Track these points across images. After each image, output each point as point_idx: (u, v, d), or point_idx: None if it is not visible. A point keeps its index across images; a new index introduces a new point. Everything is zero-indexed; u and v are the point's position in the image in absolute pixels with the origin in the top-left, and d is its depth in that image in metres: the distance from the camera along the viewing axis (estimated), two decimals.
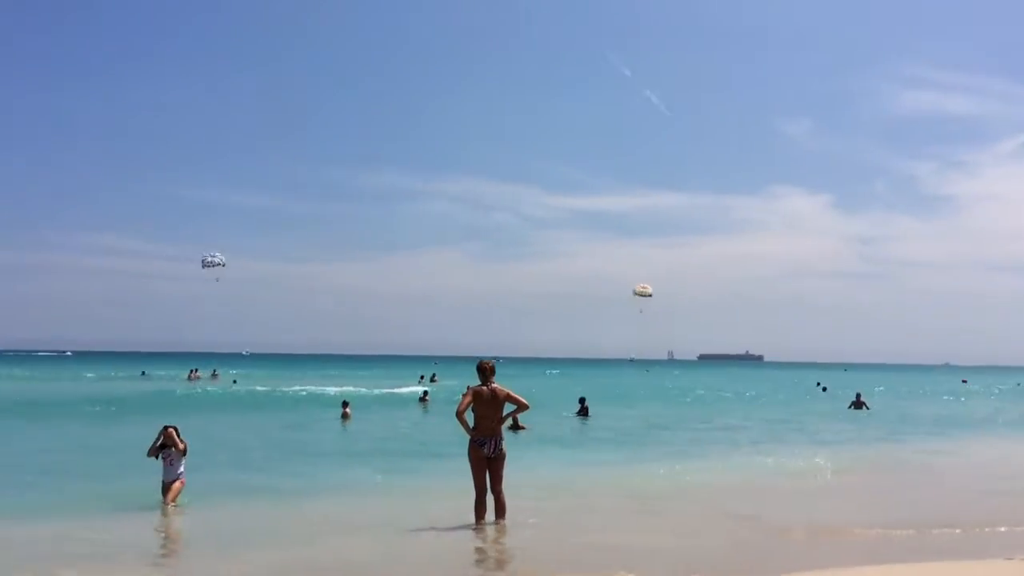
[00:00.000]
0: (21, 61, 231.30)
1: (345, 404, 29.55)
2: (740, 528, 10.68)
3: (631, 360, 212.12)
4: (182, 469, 12.82)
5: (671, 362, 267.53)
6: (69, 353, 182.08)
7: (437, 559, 9.06)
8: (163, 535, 11.01)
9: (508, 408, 10.56)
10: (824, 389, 53.27)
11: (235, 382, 57.83)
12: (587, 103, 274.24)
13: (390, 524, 10.75)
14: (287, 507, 12.26)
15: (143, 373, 73.74)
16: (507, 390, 10.53)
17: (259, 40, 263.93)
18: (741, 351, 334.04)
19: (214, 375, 68.15)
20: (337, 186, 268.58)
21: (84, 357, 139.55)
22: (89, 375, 69.26)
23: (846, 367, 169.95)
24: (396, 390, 47.90)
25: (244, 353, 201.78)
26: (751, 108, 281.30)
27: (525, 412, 11.02)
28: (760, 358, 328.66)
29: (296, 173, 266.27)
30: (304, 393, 45.61)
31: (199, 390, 48.50)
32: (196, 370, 69.44)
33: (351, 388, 47.43)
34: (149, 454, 12.93)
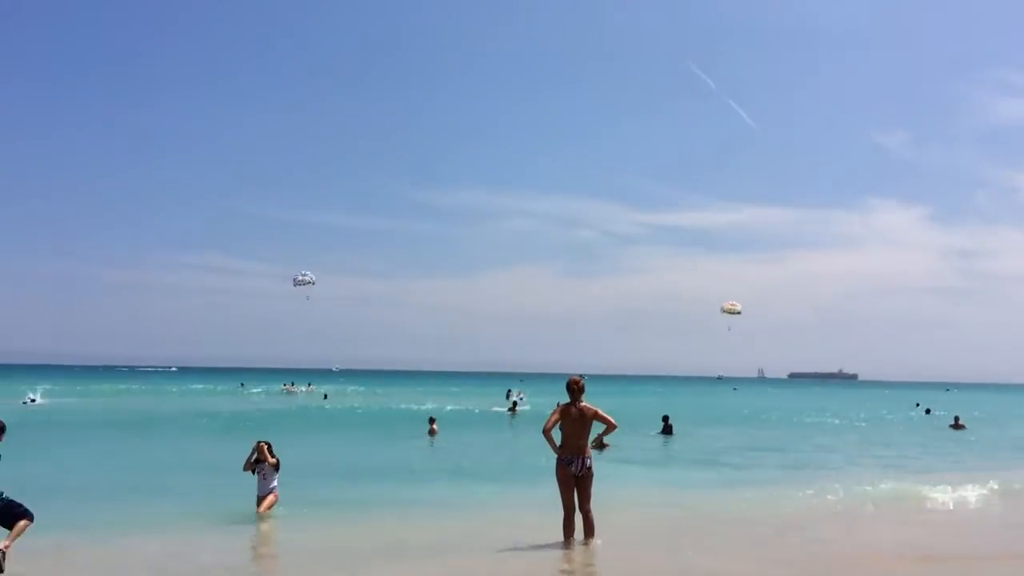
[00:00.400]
0: (130, 87, 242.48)
1: (432, 420, 29.88)
2: (831, 554, 10.39)
3: (719, 378, 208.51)
4: (275, 483, 13.21)
5: (761, 380, 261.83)
6: (174, 369, 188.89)
7: None
8: (255, 548, 11.35)
9: (596, 427, 10.53)
10: (927, 411, 51.03)
11: (326, 396, 59.16)
12: (673, 117, 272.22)
13: (479, 541, 10.81)
14: (376, 523, 12.45)
15: (241, 384, 76.04)
16: (595, 408, 10.49)
17: (345, 64, 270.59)
18: (834, 369, 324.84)
19: (308, 387, 69.93)
20: (425, 205, 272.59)
21: (187, 372, 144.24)
22: (197, 387, 71.67)
23: (948, 387, 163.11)
24: (483, 407, 48.18)
25: (334, 369, 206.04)
26: (843, 119, 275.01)
27: (612, 432, 10.95)
28: (854, 377, 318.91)
29: (387, 193, 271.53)
30: (392, 409, 46.32)
31: (293, 407, 49.72)
32: (292, 383, 71.32)
33: (438, 404, 47.93)
34: (245, 468, 13.35)
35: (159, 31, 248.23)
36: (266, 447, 13.30)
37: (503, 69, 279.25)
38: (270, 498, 13.11)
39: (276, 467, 13.25)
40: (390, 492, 15.60)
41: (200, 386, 73.29)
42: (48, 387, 59.51)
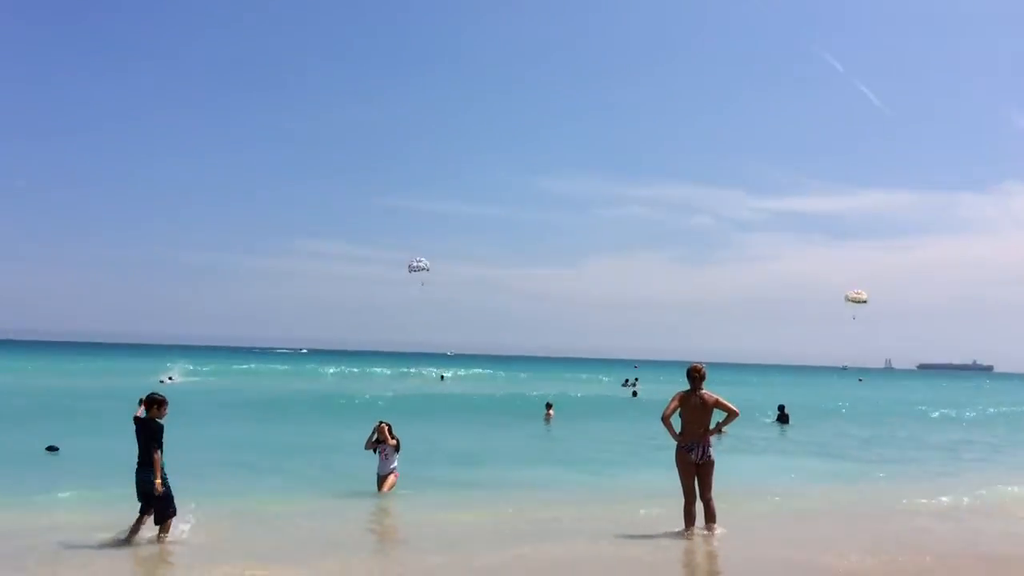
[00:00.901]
0: (274, 93, 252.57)
1: (549, 406, 30.05)
2: (955, 553, 9.91)
3: (844, 368, 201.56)
4: (395, 463, 13.58)
5: (889, 371, 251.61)
6: (304, 350, 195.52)
7: (649, 566, 9.02)
8: (374, 526, 11.67)
9: (717, 415, 10.35)
10: None
11: (443, 378, 60.40)
12: (793, 100, 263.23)
13: (596, 527, 10.79)
14: (492, 505, 12.57)
15: (365, 370, 77.53)
16: (716, 396, 10.30)
17: (463, 52, 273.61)
18: (967, 360, 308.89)
19: (441, 377, 71.06)
20: (540, 193, 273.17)
21: (316, 354, 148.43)
22: (331, 371, 73.58)
23: None
24: (598, 392, 48.11)
25: (448, 353, 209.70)
26: (980, 99, 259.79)
27: (734, 420, 10.72)
28: (990, 368, 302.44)
29: (501, 182, 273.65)
30: (507, 393, 46.79)
31: (413, 390, 50.86)
32: (410, 368, 73.13)
33: (553, 390, 48.10)
34: (366, 447, 13.76)
35: (289, 32, 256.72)
36: (387, 428, 13.67)
37: (614, 53, 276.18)
38: (391, 478, 13.49)
39: (396, 448, 13.61)
40: (507, 475, 15.77)
41: (332, 369, 74.99)
42: (185, 366, 62.62)
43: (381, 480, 13.50)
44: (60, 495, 12.45)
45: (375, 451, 13.66)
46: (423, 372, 74.05)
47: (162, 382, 47.78)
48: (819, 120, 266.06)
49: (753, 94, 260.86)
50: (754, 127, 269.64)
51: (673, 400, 10.32)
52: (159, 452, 9.38)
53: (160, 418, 9.54)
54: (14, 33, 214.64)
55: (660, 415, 10.26)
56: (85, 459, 16.39)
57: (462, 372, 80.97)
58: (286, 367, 79.65)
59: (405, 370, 73.85)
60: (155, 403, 9.52)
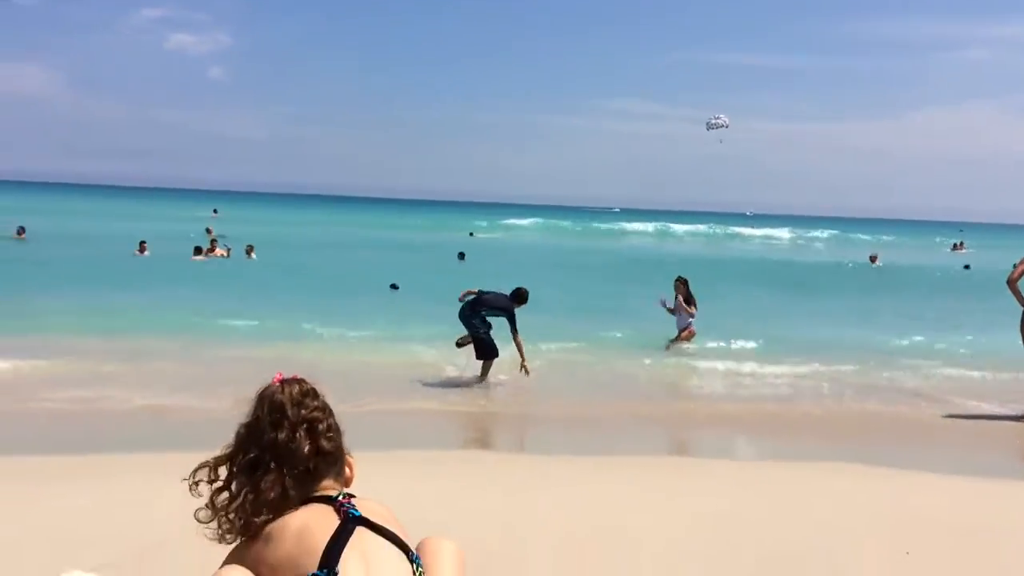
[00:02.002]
0: None
1: (874, 257, 29.12)
2: None
3: None
4: (690, 321, 14.15)
5: None
6: (617, 209, 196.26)
7: None
8: (668, 373, 12.43)
9: None
10: None
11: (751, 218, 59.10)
12: None
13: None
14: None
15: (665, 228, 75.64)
16: None
17: None
18: None
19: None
20: (859, 39, 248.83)
21: (626, 212, 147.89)
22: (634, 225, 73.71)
23: None
24: (921, 259, 44.34)
25: (747, 214, 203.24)
26: None
27: None
28: None
29: (813, 29, 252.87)
30: (815, 257, 44.91)
31: (723, 253, 50.35)
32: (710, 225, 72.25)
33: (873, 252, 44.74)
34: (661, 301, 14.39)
35: None
36: (684, 284, 14.17)
37: None
38: (685, 333, 14.16)
39: (689, 302, 14.06)
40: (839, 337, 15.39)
41: (638, 225, 74.81)
42: (482, 224, 65.45)
43: (678, 335, 14.13)
44: (410, 330, 14.10)
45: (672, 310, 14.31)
46: (733, 230, 72.26)
47: (471, 234, 51.43)
48: None
49: None
50: None
51: (1021, 263, 9.44)
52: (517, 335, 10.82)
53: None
54: None
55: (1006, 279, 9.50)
56: (421, 295, 18.57)
57: (761, 231, 77.36)
58: (596, 224, 79.51)
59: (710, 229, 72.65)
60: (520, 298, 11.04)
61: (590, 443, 8.54)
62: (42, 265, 23.27)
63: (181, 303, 16.13)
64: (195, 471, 2.57)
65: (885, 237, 71.51)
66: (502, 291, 11.29)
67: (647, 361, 12.78)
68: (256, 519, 2.46)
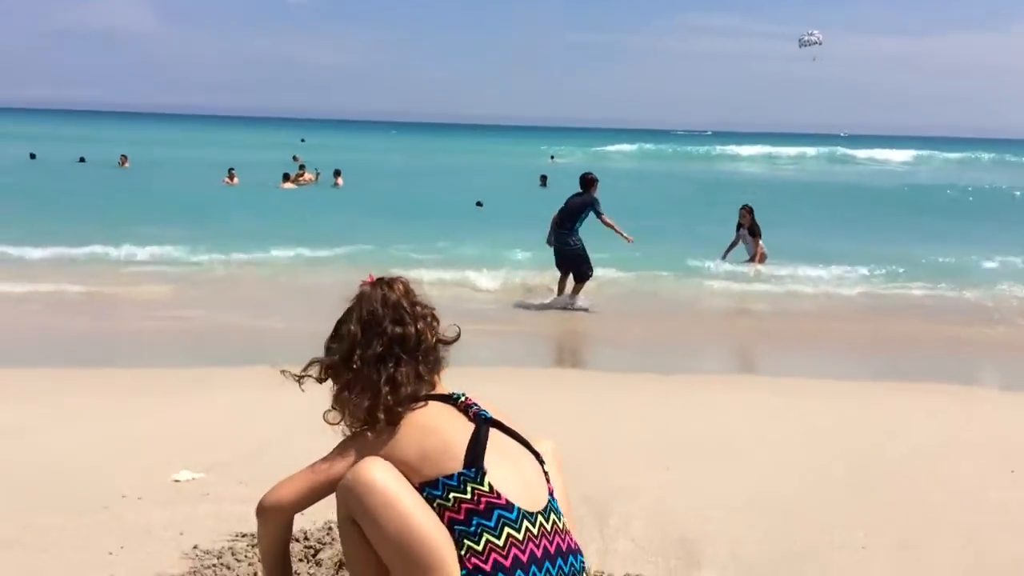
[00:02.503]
0: None
1: None
2: None
3: None
4: (757, 246, 14.03)
5: None
6: (709, 132, 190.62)
7: None
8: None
9: None
10: None
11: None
12: None
13: None
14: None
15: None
16: None
17: None
18: None
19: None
20: None
21: (721, 135, 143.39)
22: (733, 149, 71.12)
23: None
24: None
25: (842, 134, 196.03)
26: None
27: None
28: None
29: None
30: (913, 179, 43.09)
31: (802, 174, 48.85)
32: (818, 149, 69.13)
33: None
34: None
35: None
36: (748, 213, 14.10)
37: None
38: (757, 256, 14.00)
39: (752, 231, 13.99)
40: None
41: (738, 149, 72.23)
42: (562, 150, 64.63)
43: (752, 258, 14.09)
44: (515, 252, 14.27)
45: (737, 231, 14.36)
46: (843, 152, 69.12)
47: (552, 158, 51.13)
48: None
49: None
50: None
51: None
52: (602, 215, 10.95)
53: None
54: None
55: None
56: (504, 214, 18.69)
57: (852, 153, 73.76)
58: (689, 147, 75.65)
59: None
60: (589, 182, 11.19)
61: (681, 362, 8.54)
62: (142, 192, 24.30)
63: (269, 230, 16.47)
64: (306, 367, 2.61)
65: (984, 155, 67.43)
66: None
67: (735, 287, 12.69)
68: (395, 410, 2.48)
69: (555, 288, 11.14)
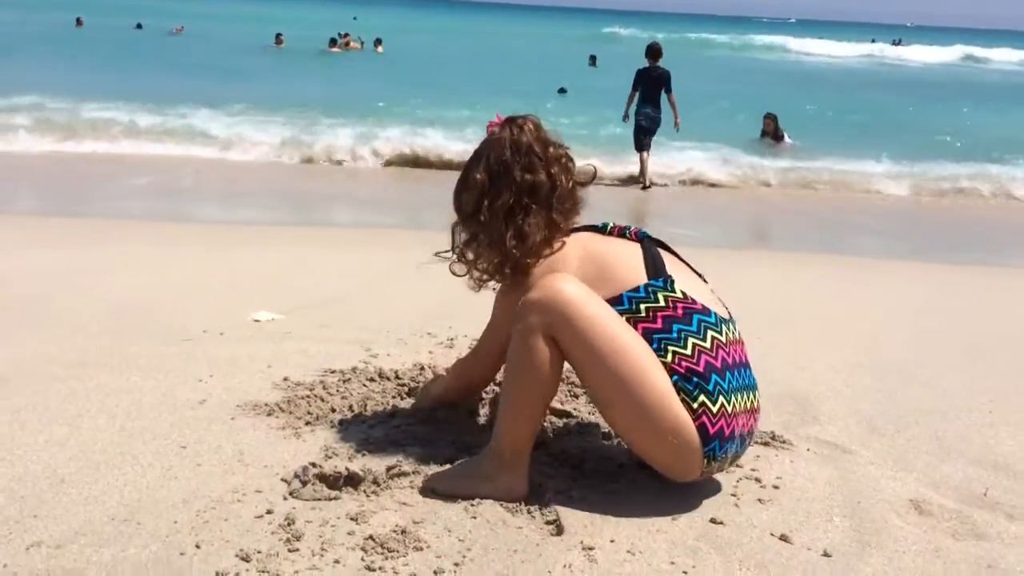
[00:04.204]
0: None
1: None
2: None
3: None
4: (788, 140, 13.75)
5: None
6: (793, 20, 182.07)
7: None
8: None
9: None
10: None
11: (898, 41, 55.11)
12: None
13: None
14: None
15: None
16: None
17: None
18: None
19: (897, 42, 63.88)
20: None
21: (805, 24, 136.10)
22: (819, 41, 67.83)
23: None
24: None
25: (909, 24, 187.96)
26: None
27: None
28: None
29: None
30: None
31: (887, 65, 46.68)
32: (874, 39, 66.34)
33: None
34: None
35: None
36: (772, 121, 13.88)
37: None
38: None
39: (776, 138, 13.68)
40: None
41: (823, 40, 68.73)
42: (628, 31, 62.50)
43: None
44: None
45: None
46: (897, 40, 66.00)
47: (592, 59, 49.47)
48: None
49: None
50: None
51: None
52: (671, 94, 10.97)
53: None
54: None
55: None
56: (590, 98, 17.96)
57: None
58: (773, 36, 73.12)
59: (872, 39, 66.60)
60: (659, 52, 11.10)
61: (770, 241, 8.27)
62: (191, 57, 24.31)
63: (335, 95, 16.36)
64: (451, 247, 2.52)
65: None
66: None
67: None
68: (522, 262, 2.38)
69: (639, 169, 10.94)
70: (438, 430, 2.75)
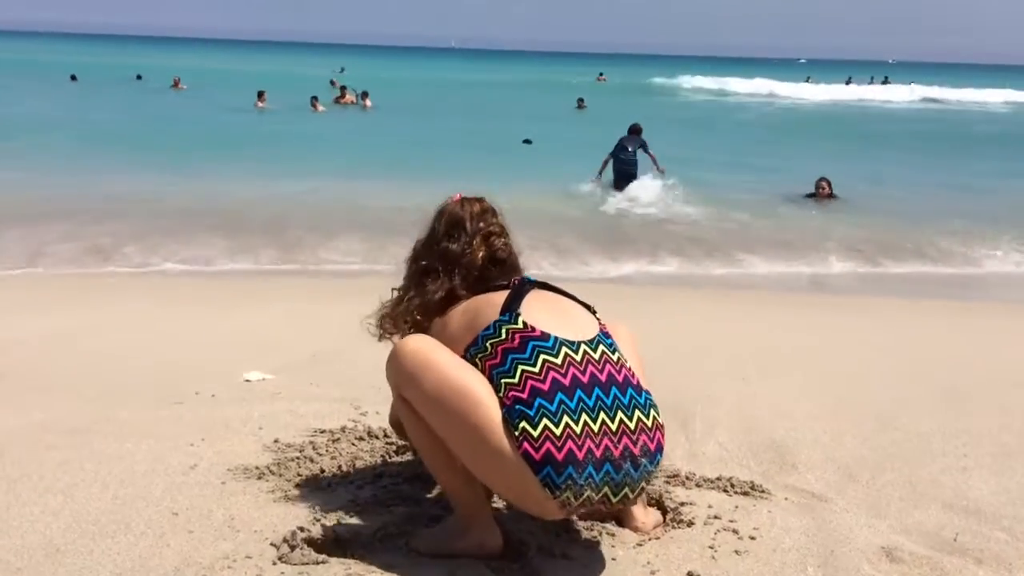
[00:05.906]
0: None
1: None
2: None
3: None
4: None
5: None
6: (803, 60, 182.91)
7: None
8: None
9: None
10: None
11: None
12: None
13: None
14: None
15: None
16: None
17: None
18: None
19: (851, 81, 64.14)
20: None
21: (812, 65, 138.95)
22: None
23: None
24: None
25: (890, 61, 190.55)
26: None
27: None
28: None
29: None
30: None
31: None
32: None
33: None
34: None
35: None
36: (827, 185, 13.41)
37: None
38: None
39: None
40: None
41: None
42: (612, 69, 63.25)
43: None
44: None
45: None
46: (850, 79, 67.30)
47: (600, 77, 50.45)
48: None
49: None
50: None
51: None
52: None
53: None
54: None
55: None
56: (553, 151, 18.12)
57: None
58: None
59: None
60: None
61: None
62: (198, 116, 24.69)
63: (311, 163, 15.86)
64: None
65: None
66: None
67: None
68: (421, 319, 2.53)
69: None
70: (424, 488, 2.83)
